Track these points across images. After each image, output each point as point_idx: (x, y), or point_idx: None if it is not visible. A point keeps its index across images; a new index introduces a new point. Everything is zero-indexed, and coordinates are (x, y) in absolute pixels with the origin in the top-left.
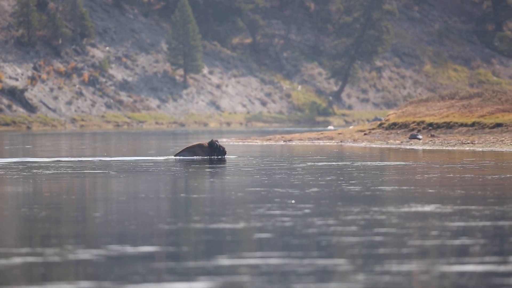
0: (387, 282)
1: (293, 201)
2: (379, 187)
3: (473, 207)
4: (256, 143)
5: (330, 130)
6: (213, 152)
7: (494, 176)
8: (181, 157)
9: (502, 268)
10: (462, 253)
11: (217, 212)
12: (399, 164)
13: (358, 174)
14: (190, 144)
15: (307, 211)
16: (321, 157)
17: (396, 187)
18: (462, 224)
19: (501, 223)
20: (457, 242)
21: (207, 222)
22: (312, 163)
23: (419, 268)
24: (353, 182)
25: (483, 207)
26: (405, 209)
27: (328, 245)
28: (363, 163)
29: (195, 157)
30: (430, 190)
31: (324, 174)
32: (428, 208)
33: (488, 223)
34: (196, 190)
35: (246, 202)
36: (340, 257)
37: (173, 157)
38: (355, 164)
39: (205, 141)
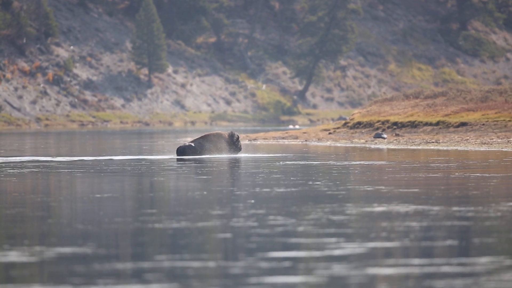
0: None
1: (252, 201)
2: (341, 187)
3: (430, 207)
4: None
5: (290, 129)
6: (232, 145)
7: (456, 175)
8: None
9: (432, 270)
10: (406, 254)
11: (172, 211)
12: (364, 164)
13: (323, 173)
14: (208, 133)
15: (262, 211)
16: (287, 155)
17: (358, 187)
18: (416, 224)
19: (448, 223)
20: (407, 243)
21: (155, 222)
22: (279, 163)
23: (348, 271)
24: (316, 181)
25: (441, 207)
26: (366, 209)
27: (271, 245)
28: (328, 162)
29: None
30: (391, 190)
31: (289, 173)
32: (385, 208)
33: (443, 223)
34: (159, 189)
35: (206, 202)
36: (265, 259)
37: (188, 143)
38: (319, 164)
39: (223, 131)
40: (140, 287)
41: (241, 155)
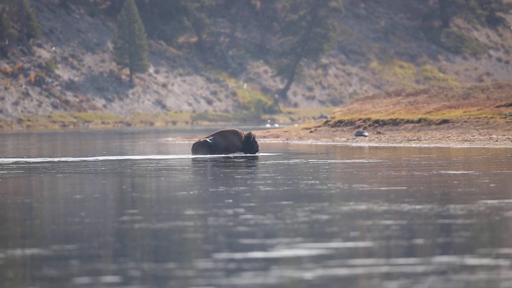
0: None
1: (230, 201)
2: (321, 186)
3: (411, 206)
4: None
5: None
6: (248, 146)
7: (437, 173)
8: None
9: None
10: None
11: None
12: (345, 162)
13: (303, 172)
14: (224, 129)
15: (239, 210)
16: (269, 155)
17: (338, 185)
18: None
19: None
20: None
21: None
22: (260, 162)
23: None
24: (297, 180)
25: (422, 206)
26: (344, 207)
27: (234, 245)
28: (309, 161)
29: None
30: (371, 188)
31: (270, 172)
32: (365, 206)
33: (422, 222)
34: (139, 189)
35: (185, 202)
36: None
37: (203, 139)
38: (300, 162)
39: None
40: None
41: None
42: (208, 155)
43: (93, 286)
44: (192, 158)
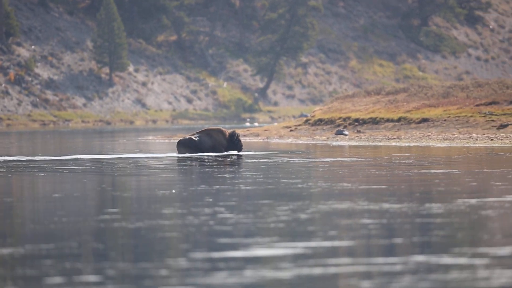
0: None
1: (210, 199)
2: (301, 185)
3: (390, 204)
4: None
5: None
6: (232, 144)
7: (417, 172)
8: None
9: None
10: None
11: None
12: (325, 161)
13: (283, 171)
14: (210, 127)
15: (219, 209)
16: (248, 153)
17: (317, 184)
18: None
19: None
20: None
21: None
22: (240, 160)
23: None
24: (277, 179)
25: (402, 204)
26: (322, 206)
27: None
28: (290, 159)
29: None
30: (351, 187)
31: (250, 171)
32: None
33: (401, 221)
34: (119, 188)
35: (165, 201)
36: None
37: (188, 137)
38: (281, 161)
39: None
40: None
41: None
42: (193, 154)
43: (67, 286)
44: (176, 157)
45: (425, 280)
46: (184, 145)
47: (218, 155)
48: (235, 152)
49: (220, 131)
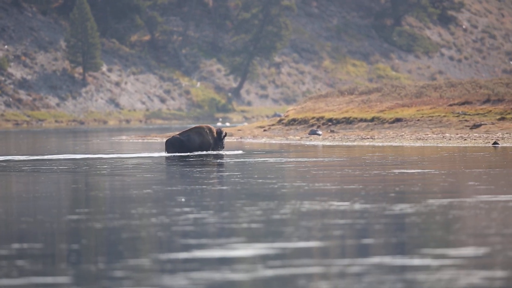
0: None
1: (183, 199)
2: (274, 185)
3: (363, 205)
4: (156, 140)
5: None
6: (219, 142)
7: (390, 172)
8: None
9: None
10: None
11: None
12: (300, 161)
13: (257, 170)
14: (200, 125)
15: (191, 209)
16: (222, 153)
17: (290, 184)
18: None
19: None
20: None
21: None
22: (215, 160)
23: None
24: (250, 179)
25: (374, 205)
26: (296, 206)
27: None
28: (264, 159)
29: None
30: (323, 187)
31: (224, 171)
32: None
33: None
34: (93, 188)
35: (138, 201)
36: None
37: (177, 136)
38: (254, 161)
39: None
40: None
41: (175, 154)
42: (181, 153)
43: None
44: (151, 157)
45: (392, 280)
46: (172, 145)
47: (195, 154)
48: (215, 152)
49: (209, 129)
